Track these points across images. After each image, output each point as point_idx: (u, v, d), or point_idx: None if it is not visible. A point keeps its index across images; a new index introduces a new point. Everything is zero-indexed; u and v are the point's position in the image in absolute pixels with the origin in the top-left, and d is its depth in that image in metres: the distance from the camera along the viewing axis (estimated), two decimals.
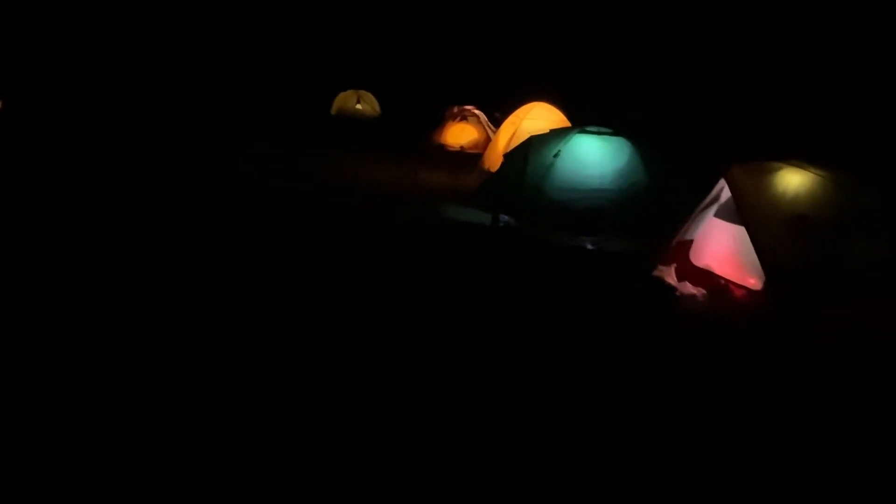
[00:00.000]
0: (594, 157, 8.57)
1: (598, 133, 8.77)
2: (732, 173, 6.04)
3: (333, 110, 22.91)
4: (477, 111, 17.90)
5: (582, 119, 12.10)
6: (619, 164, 8.52)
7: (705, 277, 6.50)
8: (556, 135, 8.96)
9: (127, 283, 5.95)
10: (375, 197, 10.55)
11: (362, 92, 23.30)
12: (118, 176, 10.79)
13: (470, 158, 15.47)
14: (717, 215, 6.52)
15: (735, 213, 6.25)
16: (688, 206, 7.41)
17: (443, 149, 16.87)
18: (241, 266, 6.69)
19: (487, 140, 17.15)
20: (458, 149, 16.89)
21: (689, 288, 6.27)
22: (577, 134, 8.73)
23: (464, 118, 17.47)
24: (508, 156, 9.33)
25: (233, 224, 8.48)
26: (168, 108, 18.78)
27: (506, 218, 8.66)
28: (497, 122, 18.13)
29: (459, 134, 17.19)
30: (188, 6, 24.05)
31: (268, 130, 18.30)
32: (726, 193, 6.40)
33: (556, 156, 8.55)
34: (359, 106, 22.99)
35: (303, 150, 15.13)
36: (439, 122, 19.95)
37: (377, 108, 23.30)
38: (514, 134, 11.89)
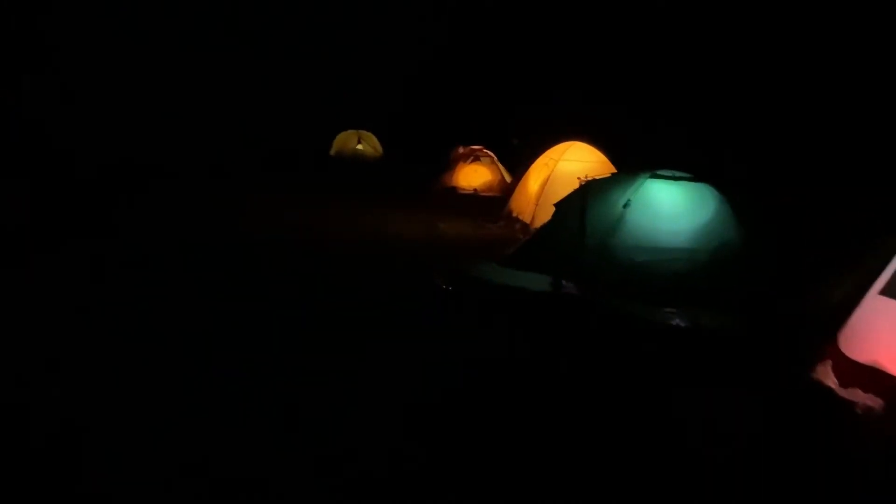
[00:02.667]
0: (673, 208, 6.71)
1: (674, 178, 6.94)
2: None
3: (333, 151, 21.14)
4: (488, 151, 16.15)
5: (626, 162, 10.37)
6: (704, 217, 6.65)
7: (872, 378, 4.59)
8: (620, 180, 7.11)
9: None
10: (401, 253, 8.67)
11: (363, 132, 21.59)
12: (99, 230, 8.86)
13: (489, 203, 13.70)
14: (884, 292, 4.65)
15: None
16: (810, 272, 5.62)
17: (455, 192, 15.09)
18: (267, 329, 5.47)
19: (502, 181, 15.44)
20: (472, 191, 15.13)
21: (860, 396, 4.35)
22: (649, 179, 6.88)
23: (476, 159, 15.70)
24: (561, 205, 7.46)
25: (253, 286, 6.61)
26: (161, 155, 16.84)
27: (565, 283, 6.77)
28: (516, 150, 16.46)
29: (472, 175, 15.43)
30: (177, 41, 22.21)
31: (270, 175, 16.38)
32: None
33: (625, 206, 6.68)
34: (359, 146, 21.24)
35: (313, 197, 13.13)
36: (445, 162, 18.42)
37: (379, 148, 21.57)
38: (548, 177, 10.06)
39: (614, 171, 10.12)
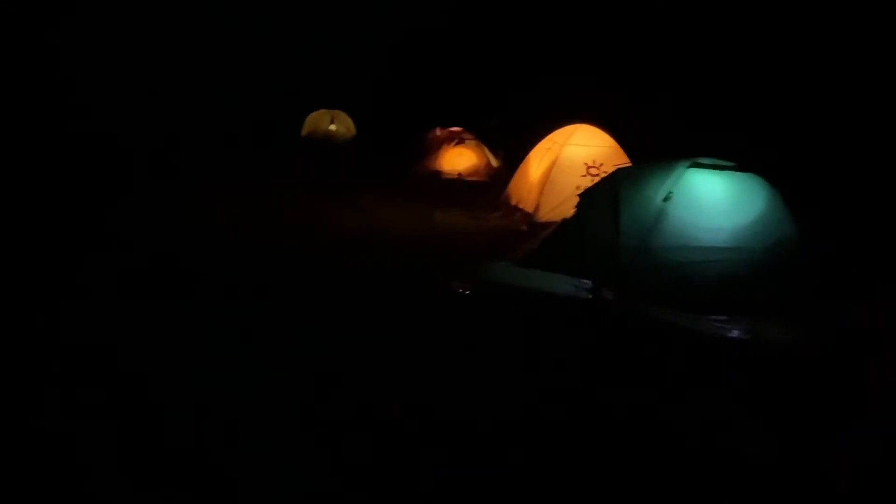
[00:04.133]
0: (720, 201, 5.84)
1: (717, 167, 6.08)
2: None
3: (304, 131, 19.83)
4: (470, 134, 15.09)
5: (637, 147, 9.51)
6: (755, 211, 5.80)
7: None
8: (655, 169, 6.20)
9: None
10: (398, 249, 7.64)
11: (336, 111, 20.29)
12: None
13: (477, 189, 12.77)
14: None
15: None
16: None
17: (439, 176, 14.07)
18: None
19: (488, 166, 14.47)
20: (457, 176, 14.11)
21: None
22: (689, 168, 6.01)
23: (461, 142, 14.67)
24: (586, 197, 6.56)
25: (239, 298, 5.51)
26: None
27: (603, 288, 5.88)
28: (493, 131, 15.47)
29: (456, 159, 14.40)
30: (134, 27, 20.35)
31: (239, 160, 15.05)
32: None
33: (666, 199, 5.80)
34: (332, 126, 19.96)
35: (290, 184, 11.91)
36: (422, 144, 17.45)
37: (352, 128, 20.32)
38: (553, 163, 9.12)
39: (625, 157, 9.27)
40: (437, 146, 15.54)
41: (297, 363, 4.38)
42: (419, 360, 4.58)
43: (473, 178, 14.11)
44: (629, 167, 6.39)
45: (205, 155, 14.53)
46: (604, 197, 6.26)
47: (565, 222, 6.59)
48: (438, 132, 17.64)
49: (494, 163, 14.63)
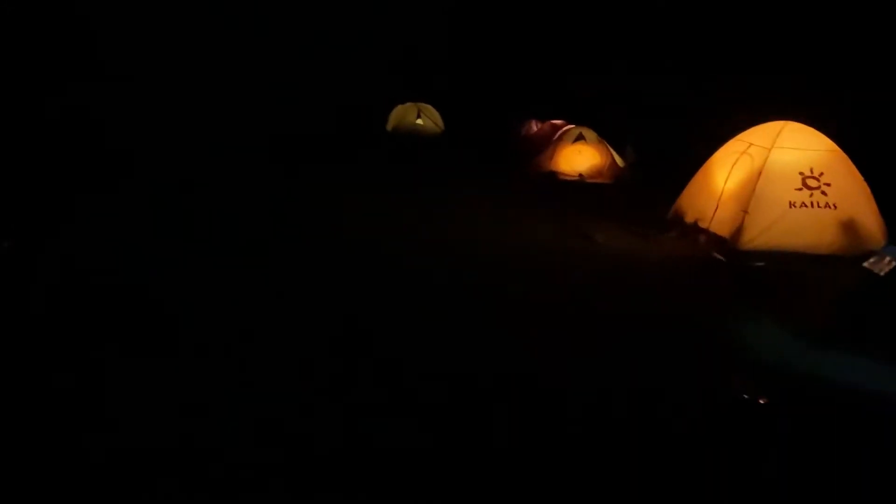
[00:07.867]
0: None
1: None
2: None
3: (390, 126, 17.87)
4: (587, 128, 12.76)
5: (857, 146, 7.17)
6: None
7: None
8: None
9: None
10: (579, 295, 5.51)
11: (422, 104, 18.25)
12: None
13: (606, 193, 10.74)
14: None
15: None
16: None
17: (555, 177, 11.92)
18: None
19: (613, 165, 12.21)
20: (577, 177, 11.93)
21: None
22: None
23: (581, 138, 12.41)
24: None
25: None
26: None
27: None
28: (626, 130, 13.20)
29: (576, 158, 12.18)
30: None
31: (323, 157, 13.17)
32: None
33: None
34: (419, 121, 17.94)
35: (412, 194, 9.69)
36: (516, 138, 15.45)
37: (440, 122, 18.27)
38: (759, 172, 6.82)
39: (851, 165, 6.95)
40: (546, 143, 13.41)
41: None
42: None
43: (596, 180, 11.90)
44: None
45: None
46: None
47: (874, 280, 4.34)
48: (535, 126, 15.57)
49: (620, 163, 12.38)
